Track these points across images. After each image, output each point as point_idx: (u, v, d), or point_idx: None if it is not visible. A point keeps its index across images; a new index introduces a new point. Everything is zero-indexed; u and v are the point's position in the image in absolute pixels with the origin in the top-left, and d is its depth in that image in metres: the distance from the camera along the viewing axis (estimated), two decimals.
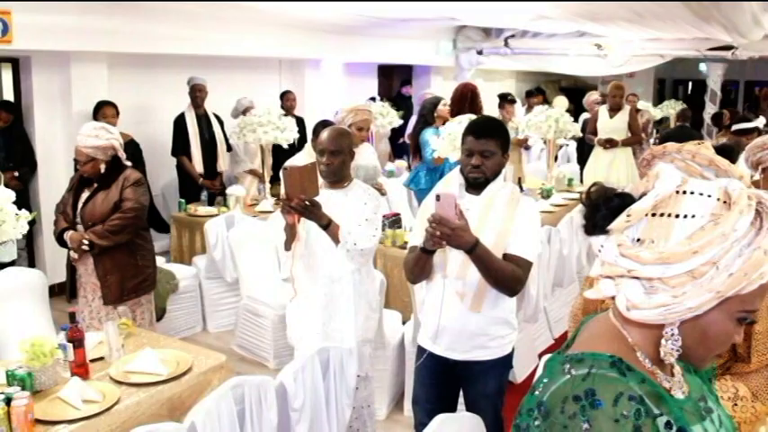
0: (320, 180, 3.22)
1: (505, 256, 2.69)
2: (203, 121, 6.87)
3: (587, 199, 1.26)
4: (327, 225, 3.13)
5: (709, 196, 1.12)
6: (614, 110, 7.53)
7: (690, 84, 17.38)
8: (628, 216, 1.14)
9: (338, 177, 3.32)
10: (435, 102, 5.91)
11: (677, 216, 1.12)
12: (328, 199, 3.16)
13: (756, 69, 12.91)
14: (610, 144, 7.44)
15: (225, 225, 5.43)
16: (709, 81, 12.63)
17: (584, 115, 9.32)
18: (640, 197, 1.17)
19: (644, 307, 1.12)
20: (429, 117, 5.99)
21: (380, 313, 3.70)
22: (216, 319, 5.62)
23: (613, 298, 1.18)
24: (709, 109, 13.41)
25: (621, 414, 1.06)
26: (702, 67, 14.67)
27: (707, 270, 1.07)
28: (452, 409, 2.97)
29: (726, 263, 1.07)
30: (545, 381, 1.17)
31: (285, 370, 2.68)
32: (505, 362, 2.93)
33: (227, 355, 3.22)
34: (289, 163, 4.69)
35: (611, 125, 7.49)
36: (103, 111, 6.02)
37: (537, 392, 1.16)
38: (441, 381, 2.92)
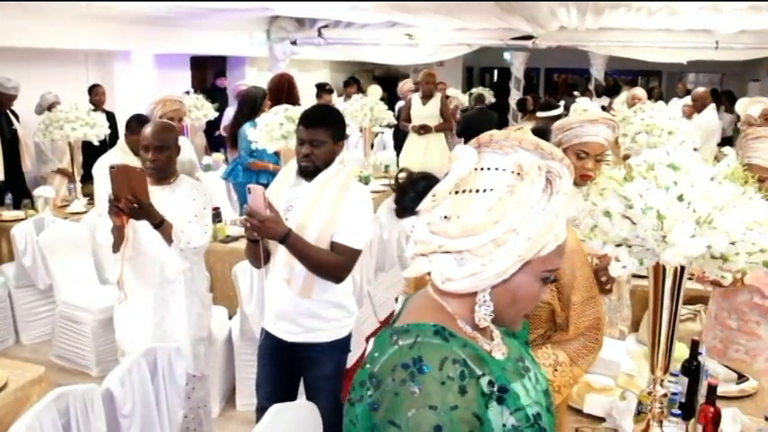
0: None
1: (332, 243, 2.78)
2: (2, 118, 6.38)
3: (396, 184, 1.34)
4: (160, 224, 3.03)
5: (504, 170, 1.22)
6: (427, 97, 7.85)
7: (496, 71, 18.44)
8: (433, 196, 1.23)
9: (165, 174, 3.23)
10: (260, 94, 5.82)
11: (476, 191, 1.21)
12: (154, 197, 3.04)
13: (555, 57, 13.92)
14: (424, 130, 7.74)
15: (34, 229, 5.08)
16: (513, 68, 13.46)
17: (399, 103, 9.61)
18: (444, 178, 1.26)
19: (456, 278, 1.21)
20: (250, 109, 5.83)
21: (211, 310, 3.67)
22: (30, 330, 5.26)
23: (429, 274, 1.25)
24: (514, 95, 14.29)
25: (447, 376, 1.13)
26: (507, 55, 15.60)
27: (508, 237, 1.18)
28: (293, 393, 3.04)
29: (524, 228, 1.18)
30: (375, 355, 1.22)
31: (111, 375, 2.59)
32: (342, 345, 3.02)
33: (46, 367, 3.05)
34: (102, 160, 4.49)
35: (425, 112, 7.81)
36: None
37: (368, 366, 1.22)
38: (280, 363, 2.97)
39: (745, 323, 3.10)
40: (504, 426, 1.19)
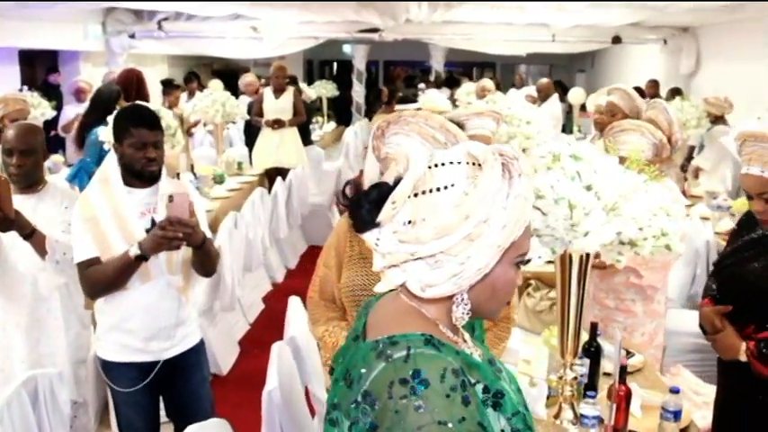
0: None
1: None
2: None
3: (345, 200, 1.26)
4: (30, 234, 2.73)
5: (459, 163, 1.17)
6: (279, 91, 7.69)
7: (335, 64, 18.50)
8: (393, 203, 1.16)
9: (32, 180, 2.92)
10: (114, 93, 5.39)
11: (437, 189, 1.15)
12: (20, 206, 2.73)
13: (394, 50, 14.15)
14: (278, 125, 7.59)
15: None
16: (355, 61, 13.56)
17: (242, 98, 9.32)
18: (395, 183, 1.20)
19: (437, 282, 1.15)
20: (103, 110, 5.35)
21: (90, 328, 3.36)
22: None
23: (404, 284, 1.19)
24: (357, 87, 14.43)
25: (450, 388, 1.08)
26: (346, 48, 15.71)
27: (481, 229, 1.13)
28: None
29: (495, 218, 1.13)
30: (362, 371, 1.15)
31: None
32: (203, 343, 2.98)
33: None
34: None
35: (278, 106, 7.65)
36: None
37: (354, 383, 1.15)
38: (152, 390, 2.80)
39: (621, 302, 3.28)
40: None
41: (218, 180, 6.70)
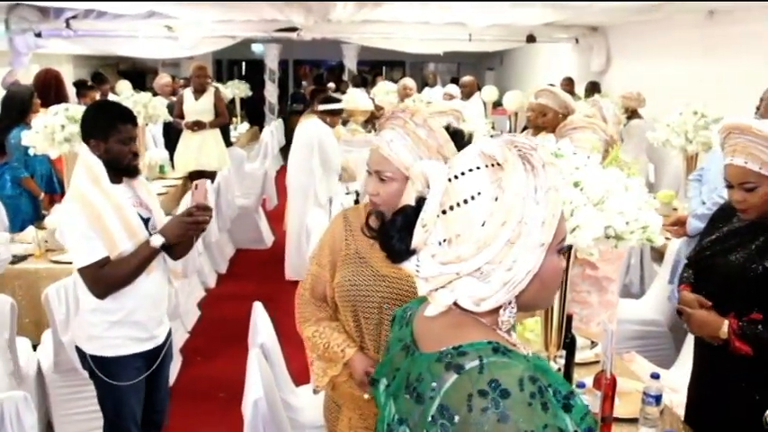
0: None
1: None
2: None
3: (370, 232, 1.23)
4: None
5: (478, 168, 1.13)
6: (199, 92, 7.51)
7: (244, 63, 18.20)
8: (424, 226, 1.13)
9: None
10: (28, 93, 5.13)
11: (465, 202, 1.11)
12: None
13: (305, 49, 14.05)
14: (198, 126, 7.41)
15: None
16: (267, 60, 13.38)
17: (157, 100, 9.01)
18: (418, 203, 1.17)
19: (490, 294, 1.12)
20: (18, 112, 5.09)
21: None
22: None
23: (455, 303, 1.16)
24: (270, 87, 14.27)
25: (530, 395, 1.06)
26: (254, 47, 15.49)
27: (520, 230, 1.10)
28: None
29: (532, 216, 1.10)
30: (433, 385, 1.12)
31: None
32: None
33: None
34: None
35: (198, 107, 7.47)
36: None
37: (425, 398, 1.12)
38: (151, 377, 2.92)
39: (578, 294, 3.38)
40: None
41: None
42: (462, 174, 1.13)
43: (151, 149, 8.87)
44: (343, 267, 2.19)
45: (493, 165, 1.13)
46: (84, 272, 2.63)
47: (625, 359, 3.59)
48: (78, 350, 2.87)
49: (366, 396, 2.16)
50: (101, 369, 2.75)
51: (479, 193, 1.11)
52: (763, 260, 2.18)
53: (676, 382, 3.05)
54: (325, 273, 2.24)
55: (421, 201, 1.16)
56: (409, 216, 1.16)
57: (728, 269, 2.25)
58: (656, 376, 2.34)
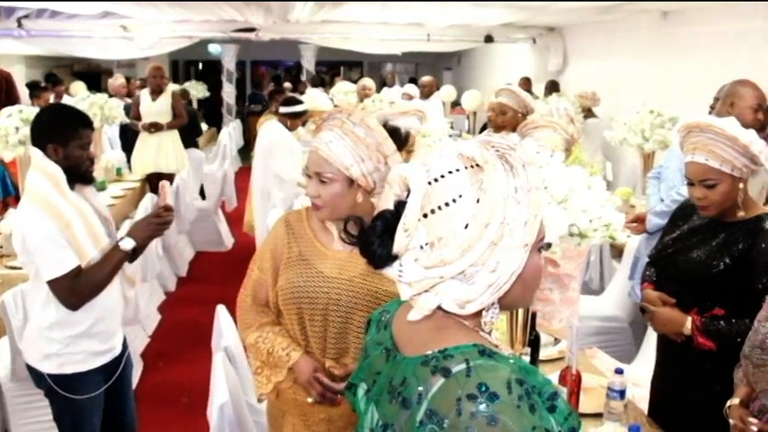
0: None
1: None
2: None
3: (350, 238, 1.22)
4: None
5: (458, 170, 1.12)
6: (156, 93, 7.38)
7: (201, 64, 18.00)
8: (406, 231, 1.12)
9: None
10: None
11: (446, 204, 1.10)
12: None
13: (262, 50, 13.95)
14: (155, 128, 7.29)
15: None
16: (225, 61, 13.25)
17: (112, 101, 8.89)
18: (397, 208, 1.16)
19: (475, 297, 1.12)
20: None
21: None
22: None
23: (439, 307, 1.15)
24: (227, 88, 14.13)
25: (518, 398, 1.06)
26: (212, 48, 15.33)
27: (503, 231, 1.09)
28: None
29: (514, 217, 1.10)
30: (419, 388, 1.11)
31: None
32: None
33: None
34: None
35: (155, 108, 7.33)
36: None
37: (411, 402, 1.11)
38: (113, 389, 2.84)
39: (540, 291, 3.39)
40: None
41: (99, 187, 6.35)
42: (442, 176, 1.12)
43: (108, 152, 8.72)
44: (286, 270, 2.13)
45: (473, 166, 1.12)
46: (57, 282, 2.50)
47: (587, 355, 3.64)
48: (32, 369, 2.73)
49: (309, 400, 2.11)
50: (60, 386, 2.64)
51: (461, 196, 1.10)
52: (724, 257, 2.23)
53: (639, 377, 3.10)
54: (267, 277, 2.18)
55: (400, 205, 1.15)
56: (389, 221, 1.15)
57: (690, 266, 2.30)
58: (619, 371, 2.38)
